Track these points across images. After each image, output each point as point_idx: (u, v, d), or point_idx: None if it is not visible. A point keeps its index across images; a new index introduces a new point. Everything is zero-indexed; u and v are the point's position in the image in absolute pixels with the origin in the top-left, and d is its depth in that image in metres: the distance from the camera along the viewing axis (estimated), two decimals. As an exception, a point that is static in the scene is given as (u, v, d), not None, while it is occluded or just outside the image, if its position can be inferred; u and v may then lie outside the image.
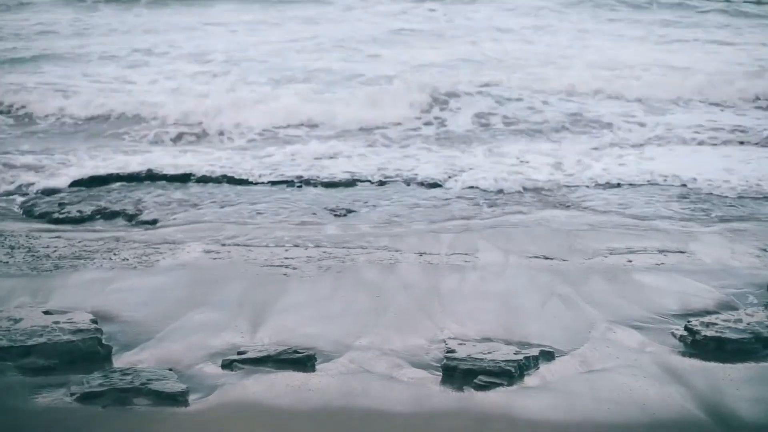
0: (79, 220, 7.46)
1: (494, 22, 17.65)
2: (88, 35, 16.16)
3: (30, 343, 4.65)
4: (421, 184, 8.76)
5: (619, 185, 8.79)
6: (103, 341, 4.82)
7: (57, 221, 7.44)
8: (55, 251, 6.47)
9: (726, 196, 8.32)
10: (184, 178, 8.83)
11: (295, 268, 6.15)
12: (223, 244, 6.71)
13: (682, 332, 5.11)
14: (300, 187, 8.62)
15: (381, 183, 8.76)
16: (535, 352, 4.76)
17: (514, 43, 15.91)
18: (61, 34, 16.24)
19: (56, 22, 17.31)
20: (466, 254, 6.53)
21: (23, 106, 11.37)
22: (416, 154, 9.80)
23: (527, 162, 9.52)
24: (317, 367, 4.66)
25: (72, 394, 4.24)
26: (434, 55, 14.63)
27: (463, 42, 15.86)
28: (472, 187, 8.64)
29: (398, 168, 9.21)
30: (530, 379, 4.54)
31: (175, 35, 16.07)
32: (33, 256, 6.35)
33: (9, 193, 8.25)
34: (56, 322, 4.89)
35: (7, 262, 6.19)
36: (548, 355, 4.78)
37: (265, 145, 10.07)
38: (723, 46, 15.86)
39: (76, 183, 8.60)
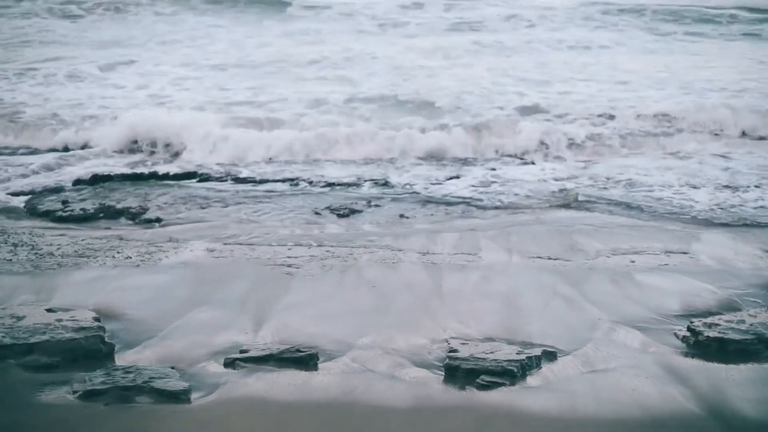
0: (83, 219, 7.46)
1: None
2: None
3: (33, 340, 4.65)
4: (424, 185, 8.77)
5: (622, 187, 8.81)
6: (106, 339, 4.82)
7: (60, 219, 7.45)
8: (58, 249, 6.47)
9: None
10: (188, 177, 8.85)
11: (297, 267, 6.15)
12: (226, 243, 6.72)
13: (684, 333, 5.11)
14: (305, 186, 8.64)
15: (384, 184, 8.76)
16: (537, 352, 4.76)
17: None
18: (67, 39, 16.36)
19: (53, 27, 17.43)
20: (468, 254, 6.53)
21: None
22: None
23: (530, 165, 9.54)
24: (319, 366, 4.66)
25: (74, 392, 4.24)
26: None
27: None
28: (474, 186, 8.65)
29: (399, 168, 9.24)
30: (532, 379, 4.53)
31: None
32: (36, 254, 6.36)
33: (13, 191, 8.27)
34: (59, 320, 4.90)
35: (11, 260, 6.20)
36: (550, 355, 4.77)
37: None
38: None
39: (79, 181, 8.62)
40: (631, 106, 11.96)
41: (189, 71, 14.03)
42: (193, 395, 4.29)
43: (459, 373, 4.54)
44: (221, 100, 12.07)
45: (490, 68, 14.52)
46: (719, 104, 11.86)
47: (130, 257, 6.32)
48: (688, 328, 5.11)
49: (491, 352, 4.70)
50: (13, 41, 16.22)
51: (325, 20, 19.54)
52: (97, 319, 4.99)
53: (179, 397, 4.23)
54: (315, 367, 4.63)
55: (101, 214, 7.56)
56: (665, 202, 8.16)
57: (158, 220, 7.43)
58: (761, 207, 8.06)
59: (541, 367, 4.66)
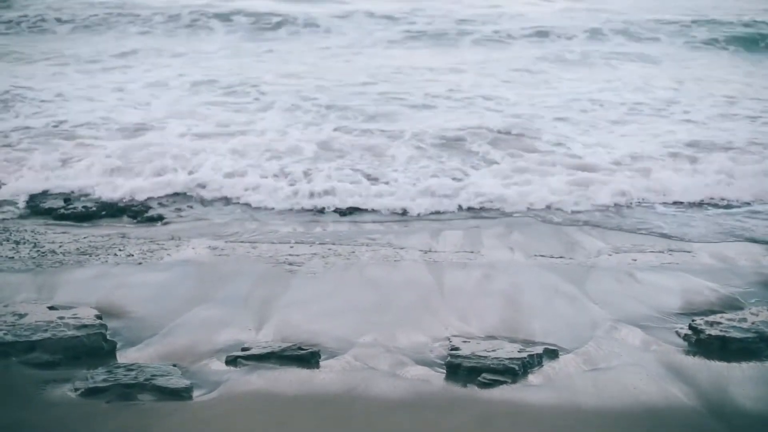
0: (85, 217, 7.46)
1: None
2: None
3: (35, 338, 4.65)
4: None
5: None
6: (108, 337, 4.82)
7: (62, 217, 7.44)
8: (60, 247, 6.48)
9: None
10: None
11: (299, 265, 6.15)
12: (228, 241, 6.72)
13: (686, 331, 5.10)
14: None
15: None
16: (539, 350, 4.76)
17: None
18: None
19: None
20: (470, 252, 6.53)
21: None
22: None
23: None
24: (321, 363, 4.66)
25: (76, 390, 4.25)
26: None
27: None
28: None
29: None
30: (534, 377, 4.54)
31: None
32: (38, 251, 6.36)
33: (15, 189, 8.26)
34: (61, 318, 4.90)
35: (13, 258, 6.21)
36: (552, 353, 4.77)
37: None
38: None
39: (81, 179, 8.62)
40: None
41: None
42: (195, 393, 4.29)
43: (460, 371, 4.54)
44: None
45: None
46: None
47: (132, 255, 6.33)
48: (690, 327, 5.11)
49: (493, 350, 4.70)
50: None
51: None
52: (99, 317, 5.00)
53: (181, 394, 4.24)
54: (317, 365, 4.64)
55: (103, 212, 7.56)
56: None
57: (160, 218, 7.44)
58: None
59: (542, 365, 4.66)
